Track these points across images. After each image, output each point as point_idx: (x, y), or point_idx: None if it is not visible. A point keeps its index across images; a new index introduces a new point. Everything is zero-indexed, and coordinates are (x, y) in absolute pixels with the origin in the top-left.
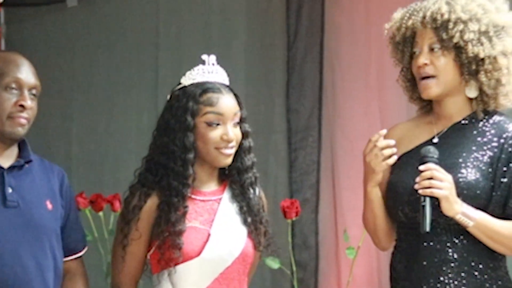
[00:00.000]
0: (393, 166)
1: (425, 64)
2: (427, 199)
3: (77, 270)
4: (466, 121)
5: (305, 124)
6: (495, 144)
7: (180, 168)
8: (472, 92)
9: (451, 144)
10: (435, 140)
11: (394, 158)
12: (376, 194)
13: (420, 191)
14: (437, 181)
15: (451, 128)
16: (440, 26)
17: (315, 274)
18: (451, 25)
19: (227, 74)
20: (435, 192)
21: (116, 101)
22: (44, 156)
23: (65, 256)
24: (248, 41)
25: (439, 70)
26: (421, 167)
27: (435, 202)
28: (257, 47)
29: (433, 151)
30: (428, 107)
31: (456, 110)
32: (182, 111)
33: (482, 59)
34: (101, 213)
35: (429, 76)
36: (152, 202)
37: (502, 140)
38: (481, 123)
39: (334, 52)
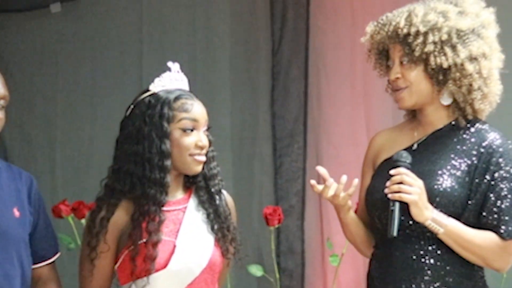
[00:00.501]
0: (375, 172)
1: (397, 78)
2: (396, 204)
3: (50, 276)
4: (447, 129)
5: (291, 131)
6: (474, 152)
7: (157, 176)
8: (446, 100)
9: (430, 151)
10: (415, 147)
11: (352, 189)
12: (350, 218)
13: (389, 196)
14: (407, 186)
15: (432, 135)
16: (402, 41)
17: (301, 281)
18: (411, 38)
19: (212, 79)
20: (404, 197)
21: (100, 107)
22: (28, 162)
23: (37, 263)
24: (232, 47)
25: (411, 82)
26: (392, 172)
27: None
28: (241, 53)
29: (405, 156)
30: (413, 113)
31: (436, 117)
32: (157, 118)
33: (449, 68)
34: (83, 220)
35: (402, 88)
36: (120, 213)
37: (481, 149)
38: (462, 131)
39: (319, 58)
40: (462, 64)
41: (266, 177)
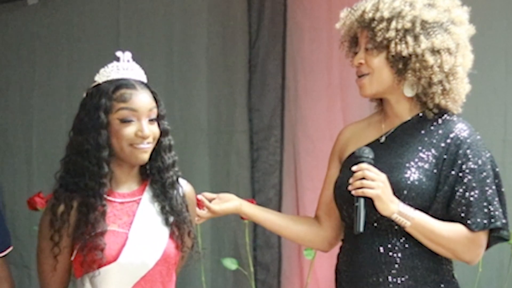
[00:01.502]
0: (341, 166)
1: (360, 63)
2: (361, 200)
3: (2, 273)
4: (414, 121)
5: (267, 124)
6: (442, 144)
7: (95, 167)
8: (408, 92)
9: (398, 143)
10: (382, 140)
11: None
12: (252, 213)
13: (352, 192)
14: (369, 181)
15: (399, 127)
16: (367, 26)
17: (278, 275)
18: (374, 23)
19: (188, 73)
20: (367, 192)
21: (76, 100)
22: (4, 154)
23: None
24: (209, 40)
25: (373, 69)
26: (354, 168)
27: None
28: (218, 45)
29: (368, 152)
30: (382, 105)
31: (402, 109)
32: (94, 109)
33: (409, 57)
34: None
35: (364, 75)
36: (75, 205)
37: (448, 140)
38: (429, 123)
39: (296, 51)
40: (422, 55)
41: (243, 170)
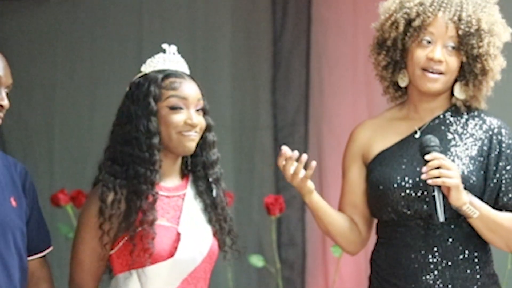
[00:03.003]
0: (372, 165)
1: (440, 61)
2: (436, 189)
3: (42, 273)
4: (447, 114)
5: (292, 120)
6: (482, 136)
7: (146, 154)
8: (461, 93)
9: (437, 138)
10: (417, 135)
11: (310, 171)
12: (316, 202)
13: (429, 181)
14: (446, 170)
15: (433, 122)
16: (472, 32)
17: (302, 273)
18: (483, 34)
19: (212, 69)
20: (446, 181)
21: (98, 96)
22: (26, 151)
23: (28, 255)
24: (233, 35)
25: (449, 69)
26: (427, 157)
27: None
28: (242, 41)
29: (433, 140)
30: (399, 97)
31: (439, 104)
32: (144, 96)
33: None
34: None
35: (442, 73)
36: (124, 194)
37: (489, 133)
38: (462, 117)
39: (321, 47)
40: (492, 70)
41: (267, 167)
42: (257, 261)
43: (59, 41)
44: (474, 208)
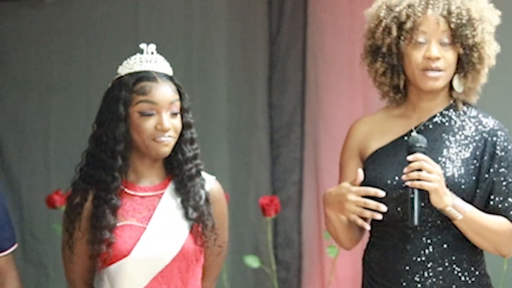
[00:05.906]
0: (367, 162)
1: (438, 58)
2: (416, 192)
3: (7, 270)
4: (444, 114)
5: (288, 121)
6: (477, 138)
7: (109, 160)
8: (459, 86)
9: (432, 138)
10: (414, 134)
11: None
12: (335, 213)
13: (408, 183)
14: (426, 173)
15: (429, 121)
16: (464, 23)
17: (298, 274)
18: (476, 23)
19: (208, 69)
20: (424, 185)
21: (94, 97)
22: (21, 152)
23: None
24: (229, 36)
25: (448, 65)
26: (409, 158)
27: (425, 195)
28: (238, 41)
29: (421, 140)
30: (399, 99)
31: (437, 102)
32: (114, 101)
33: (473, 52)
34: None
35: (441, 70)
36: (90, 198)
37: (485, 135)
38: (459, 117)
39: (317, 47)
40: (489, 57)
41: (263, 168)
42: (253, 262)
43: (55, 43)
44: (457, 211)
